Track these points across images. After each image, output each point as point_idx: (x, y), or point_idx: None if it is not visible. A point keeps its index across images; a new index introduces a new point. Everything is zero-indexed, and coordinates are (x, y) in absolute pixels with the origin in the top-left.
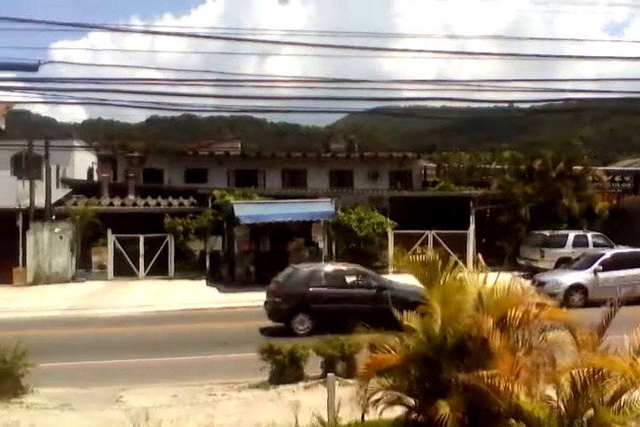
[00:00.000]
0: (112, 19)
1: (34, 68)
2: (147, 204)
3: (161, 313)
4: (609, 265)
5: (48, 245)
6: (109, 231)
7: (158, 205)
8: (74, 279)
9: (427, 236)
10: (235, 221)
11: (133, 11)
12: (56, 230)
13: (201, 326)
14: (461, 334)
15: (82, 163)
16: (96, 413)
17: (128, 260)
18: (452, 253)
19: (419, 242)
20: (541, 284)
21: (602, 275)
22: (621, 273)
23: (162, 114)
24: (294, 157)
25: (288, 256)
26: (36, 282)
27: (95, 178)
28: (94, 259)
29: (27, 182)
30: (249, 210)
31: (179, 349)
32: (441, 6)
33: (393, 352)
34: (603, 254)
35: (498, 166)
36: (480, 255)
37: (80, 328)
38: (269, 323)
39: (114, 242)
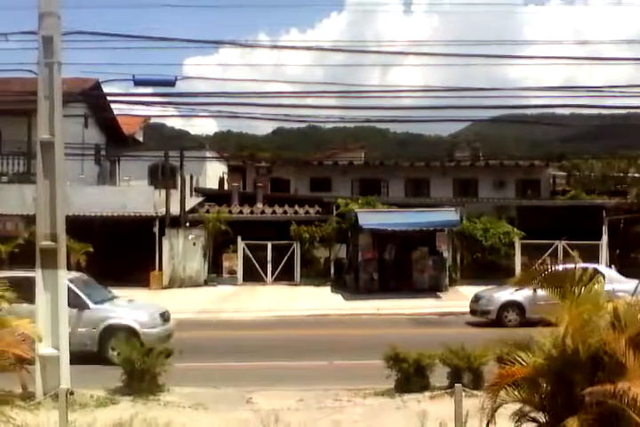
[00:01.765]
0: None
1: (171, 83)
2: (274, 212)
3: (288, 318)
4: None
5: (182, 251)
6: (239, 238)
7: (285, 213)
8: (206, 283)
9: (556, 246)
10: (358, 230)
11: (261, 26)
12: (190, 237)
13: (326, 331)
14: (596, 349)
15: (213, 173)
16: (227, 413)
17: (256, 266)
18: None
19: (547, 253)
20: (477, 299)
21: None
22: None
23: (288, 125)
24: (417, 166)
25: (412, 265)
26: (170, 285)
27: (226, 187)
28: (225, 264)
29: (163, 191)
30: (372, 218)
31: (305, 353)
32: (570, 12)
33: (523, 364)
34: None
35: (635, 175)
36: (614, 267)
37: (212, 331)
38: (393, 330)
39: (243, 248)
